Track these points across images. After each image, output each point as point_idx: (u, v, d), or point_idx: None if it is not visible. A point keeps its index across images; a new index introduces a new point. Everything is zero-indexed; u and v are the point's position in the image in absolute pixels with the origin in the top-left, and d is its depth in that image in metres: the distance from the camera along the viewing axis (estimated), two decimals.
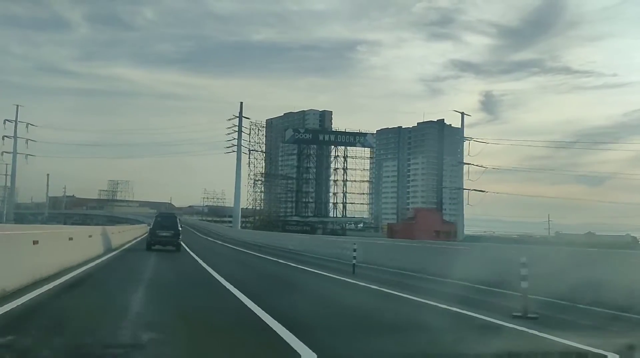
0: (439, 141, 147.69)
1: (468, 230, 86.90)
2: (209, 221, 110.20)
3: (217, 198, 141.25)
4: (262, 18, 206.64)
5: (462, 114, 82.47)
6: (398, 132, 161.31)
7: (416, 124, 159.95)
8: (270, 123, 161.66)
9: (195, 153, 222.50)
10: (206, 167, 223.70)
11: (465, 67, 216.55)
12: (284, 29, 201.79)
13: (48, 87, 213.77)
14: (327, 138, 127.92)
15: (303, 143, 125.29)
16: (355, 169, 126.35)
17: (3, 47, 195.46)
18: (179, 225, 25.15)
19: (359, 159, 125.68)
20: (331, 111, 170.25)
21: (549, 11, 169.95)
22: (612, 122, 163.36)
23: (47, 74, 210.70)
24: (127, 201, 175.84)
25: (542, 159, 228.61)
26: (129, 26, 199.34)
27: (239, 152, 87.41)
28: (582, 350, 6.17)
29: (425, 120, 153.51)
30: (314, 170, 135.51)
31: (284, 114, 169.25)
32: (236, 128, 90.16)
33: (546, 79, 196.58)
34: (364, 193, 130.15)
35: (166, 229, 24.02)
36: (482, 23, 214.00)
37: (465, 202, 79.19)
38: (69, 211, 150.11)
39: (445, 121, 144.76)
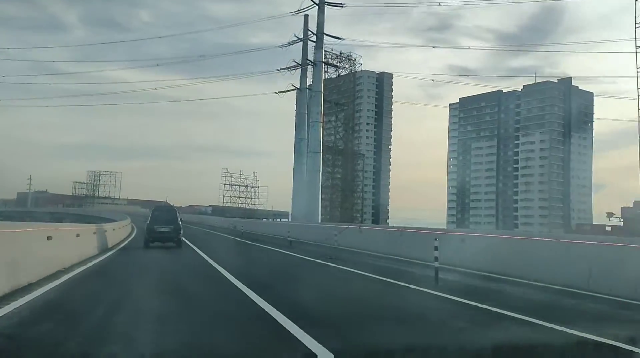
0: (564, 109, 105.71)
1: None
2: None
3: (246, 185, 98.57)
4: (258, 21, 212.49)
5: None
6: (497, 99, 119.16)
7: (522, 88, 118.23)
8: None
9: (190, 158, 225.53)
10: (204, 170, 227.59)
11: (462, 72, 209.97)
12: (281, 32, 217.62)
13: (43, 88, 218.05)
14: None
15: None
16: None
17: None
18: (179, 219, 23.97)
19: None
20: (392, 74, 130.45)
21: (546, 18, 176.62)
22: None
23: (42, 75, 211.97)
24: (112, 198, 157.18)
25: None
26: (125, 28, 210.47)
27: (314, 82, 46.87)
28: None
29: (535, 81, 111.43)
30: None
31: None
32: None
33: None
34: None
35: (165, 224, 23.29)
36: (480, 29, 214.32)
37: None
38: (37, 209, 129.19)
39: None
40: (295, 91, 57.30)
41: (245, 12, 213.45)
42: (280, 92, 56.38)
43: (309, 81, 56.39)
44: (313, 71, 51.26)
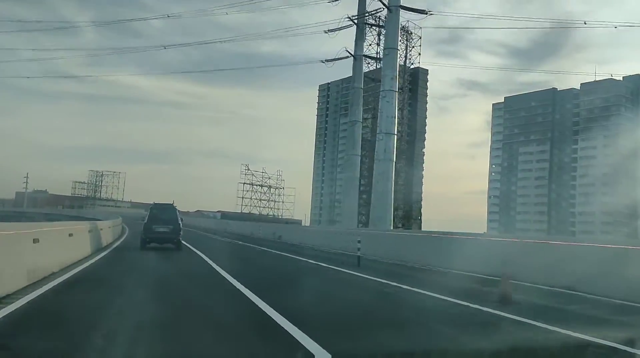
0: (632, 110, 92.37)
1: None
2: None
3: (269, 185, 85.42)
4: (269, 30, 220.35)
5: None
6: (551, 98, 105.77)
7: (579, 87, 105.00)
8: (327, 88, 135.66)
9: (198, 164, 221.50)
10: (213, 177, 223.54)
11: (472, 86, 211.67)
12: (291, 41, 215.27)
13: (54, 91, 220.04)
14: None
15: None
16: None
17: (11, 51, 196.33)
18: (179, 219, 21.91)
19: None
20: (427, 69, 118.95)
21: (557, 33, 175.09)
22: None
23: (53, 78, 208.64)
24: (114, 200, 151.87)
25: None
26: (137, 34, 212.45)
27: None
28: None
29: (594, 79, 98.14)
30: None
31: (344, 78, 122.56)
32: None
33: None
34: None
35: (163, 223, 21.41)
36: (491, 43, 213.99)
37: None
38: (34, 209, 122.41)
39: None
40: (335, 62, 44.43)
41: (256, 21, 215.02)
42: (328, 60, 43.56)
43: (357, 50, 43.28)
44: (386, 22, 38.00)
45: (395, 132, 35.71)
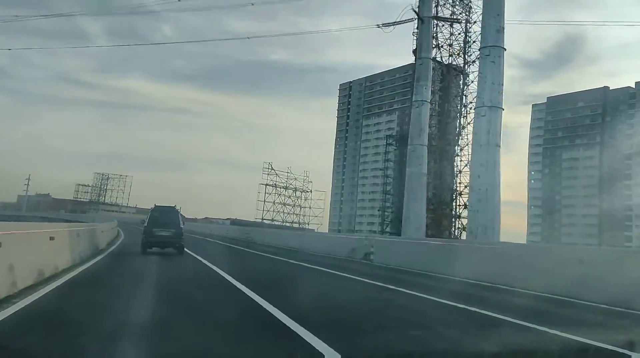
0: None
1: None
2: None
3: (294, 188, 75.70)
4: (279, 39, 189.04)
5: None
6: (602, 98, 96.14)
7: (634, 85, 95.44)
8: (348, 88, 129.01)
9: (207, 172, 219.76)
10: (221, 184, 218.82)
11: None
12: (301, 50, 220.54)
13: (64, 97, 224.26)
14: None
15: None
16: None
17: (23, 57, 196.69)
18: (181, 222, 21.62)
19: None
20: (461, 66, 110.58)
21: (569, 46, 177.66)
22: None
23: (63, 85, 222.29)
24: (118, 204, 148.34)
25: None
26: (147, 41, 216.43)
27: None
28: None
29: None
30: None
31: (367, 76, 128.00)
32: None
33: None
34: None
35: (165, 227, 20.94)
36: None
37: None
38: (34, 213, 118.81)
39: None
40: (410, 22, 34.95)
41: (265, 29, 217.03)
42: (386, 25, 34.68)
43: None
44: None
45: (502, 106, 25.98)
